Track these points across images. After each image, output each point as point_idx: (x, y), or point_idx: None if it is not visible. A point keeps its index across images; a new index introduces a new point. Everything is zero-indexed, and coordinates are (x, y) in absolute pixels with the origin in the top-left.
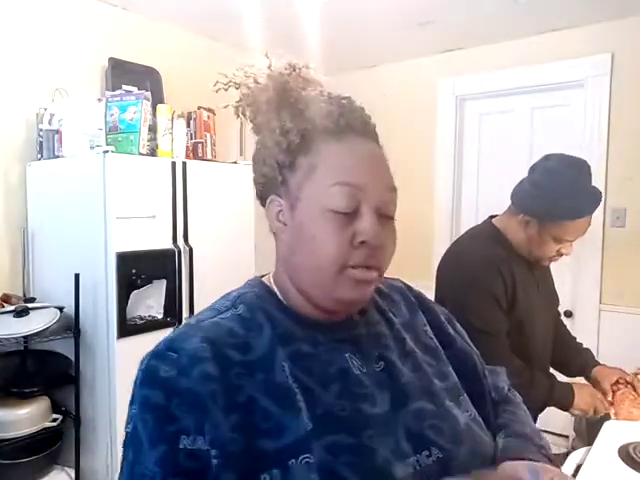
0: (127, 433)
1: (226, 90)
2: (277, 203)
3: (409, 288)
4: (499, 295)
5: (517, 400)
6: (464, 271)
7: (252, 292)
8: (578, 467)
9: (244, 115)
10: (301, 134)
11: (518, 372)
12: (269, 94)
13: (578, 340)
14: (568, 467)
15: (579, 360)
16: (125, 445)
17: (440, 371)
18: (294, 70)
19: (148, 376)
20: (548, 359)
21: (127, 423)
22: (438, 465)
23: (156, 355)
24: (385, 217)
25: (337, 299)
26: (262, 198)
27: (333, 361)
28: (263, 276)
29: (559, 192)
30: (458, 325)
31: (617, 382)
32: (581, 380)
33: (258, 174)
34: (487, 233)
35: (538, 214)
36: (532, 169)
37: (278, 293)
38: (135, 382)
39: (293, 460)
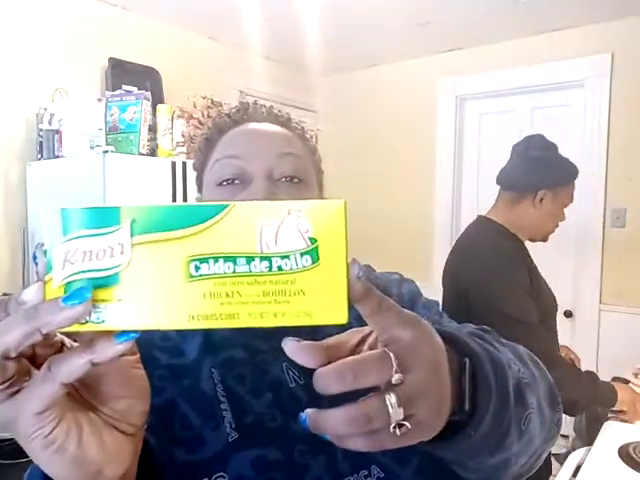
0: None
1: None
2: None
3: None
4: (527, 285)
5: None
6: (488, 266)
7: None
8: (578, 467)
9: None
10: (213, 129)
11: (564, 363)
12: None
13: (575, 340)
14: (568, 467)
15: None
16: None
17: None
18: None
19: None
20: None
21: None
22: None
23: None
24: (286, 181)
25: None
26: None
27: (269, 370)
28: None
29: (558, 159)
30: (421, 303)
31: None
32: None
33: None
34: (493, 229)
35: (554, 182)
36: (523, 150)
37: None
38: None
39: (206, 479)
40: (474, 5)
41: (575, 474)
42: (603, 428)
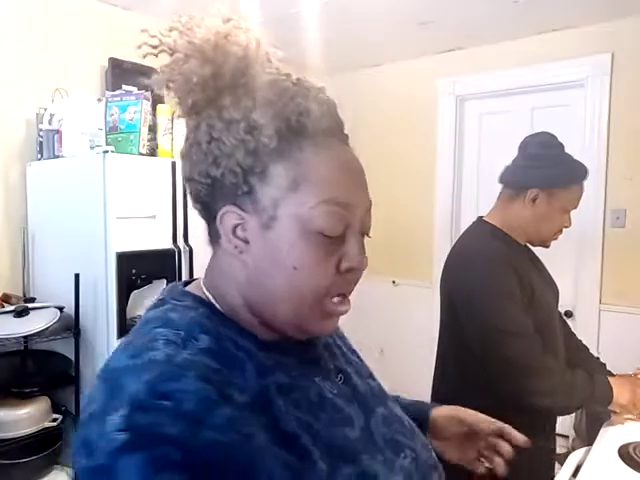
0: None
1: (156, 56)
2: (235, 216)
3: None
4: (517, 292)
5: None
6: (476, 274)
7: (198, 314)
8: (578, 467)
9: (168, 89)
10: (278, 136)
11: (555, 372)
12: (211, 68)
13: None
14: (568, 467)
15: (589, 362)
16: None
17: (368, 371)
18: (245, 30)
19: (144, 436)
20: (563, 358)
21: None
22: (414, 465)
23: (140, 406)
24: (363, 237)
25: (307, 331)
26: (204, 203)
27: (309, 387)
28: (187, 284)
29: (560, 158)
30: None
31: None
32: None
33: (198, 172)
34: (485, 232)
35: (548, 182)
36: (523, 147)
37: (225, 312)
38: (112, 452)
39: None
40: (474, 5)
41: (575, 474)
42: (603, 428)
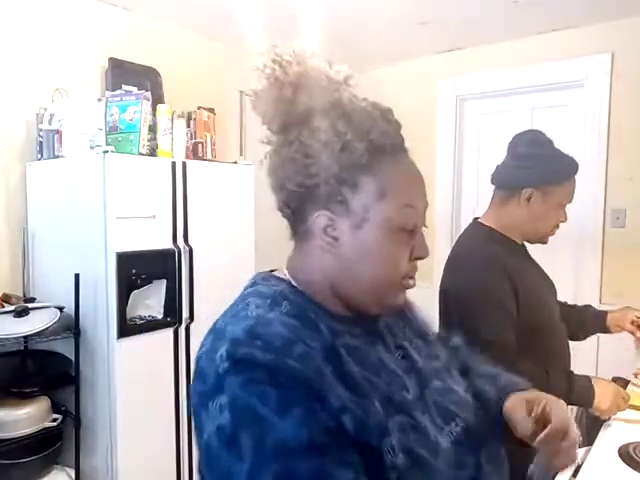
0: (222, 426)
1: (265, 76)
2: (326, 218)
3: None
4: (506, 297)
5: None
6: (465, 277)
7: (282, 288)
8: (578, 467)
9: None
10: (368, 154)
11: (531, 377)
12: (310, 94)
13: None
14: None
15: (589, 319)
16: (231, 434)
17: (433, 353)
18: (329, 67)
19: (243, 360)
20: (569, 352)
21: (217, 415)
22: (463, 433)
23: (239, 343)
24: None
25: (389, 305)
26: (294, 208)
27: (372, 351)
28: (272, 271)
29: (551, 155)
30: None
31: (635, 320)
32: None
33: (290, 182)
34: (480, 235)
35: (541, 180)
36: (512, 147)
37: (304, 290)
38: (220, 374)
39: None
40: (474, 5)
41: (575, 474)
42: (603, 428)
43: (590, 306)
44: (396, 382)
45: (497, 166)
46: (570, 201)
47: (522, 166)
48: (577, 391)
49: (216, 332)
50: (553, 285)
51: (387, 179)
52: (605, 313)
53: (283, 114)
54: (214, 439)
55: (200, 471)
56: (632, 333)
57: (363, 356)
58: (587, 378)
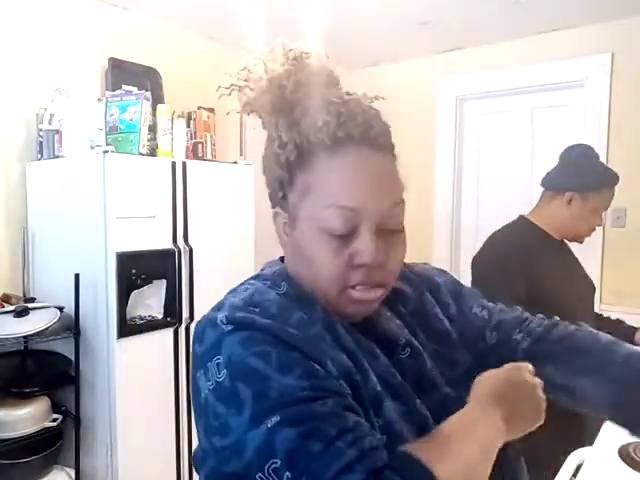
0: (221, 382)
1: (229, 95)
2: (282, 216)
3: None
4: (521, 276)
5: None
6: (486, 252)
7: (283, 271)
8: (578, 467)
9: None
10: (297, 149)
11: None
12: (267, 98)
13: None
14: (568, 467)
15: (620, 335)
16: (230, 388)
17: (451, 359)
18: (295, 61)
19: (242, 322)
20: None
21: (216, 373)
22: None
23: (238, 309)
24: (389, 231)
25: (340, 314)
26: (272, 204)
27: (369, 345)
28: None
29: (596, 165)
30: (465, 292)
31: None
32: None
33: (267, 180)
34: (518, 222)
35: (582, 186)
36: (566, 155)
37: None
38: (219, 335)
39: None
40: (474, 5)
41: (575, 474)
42: (603, 428)
43: (622, 322)
44: (390, 373)
45: (548, 172)
46: (606, 208)
47: (568, 172)
48: None
49: (217, 305)
50: (590, 285)
51: (315, 176)
52: (634, 330)
53: (262, 116)
54: (211, 396)
55: (194, 456)
56: None
57: (360, 340)
58: None
